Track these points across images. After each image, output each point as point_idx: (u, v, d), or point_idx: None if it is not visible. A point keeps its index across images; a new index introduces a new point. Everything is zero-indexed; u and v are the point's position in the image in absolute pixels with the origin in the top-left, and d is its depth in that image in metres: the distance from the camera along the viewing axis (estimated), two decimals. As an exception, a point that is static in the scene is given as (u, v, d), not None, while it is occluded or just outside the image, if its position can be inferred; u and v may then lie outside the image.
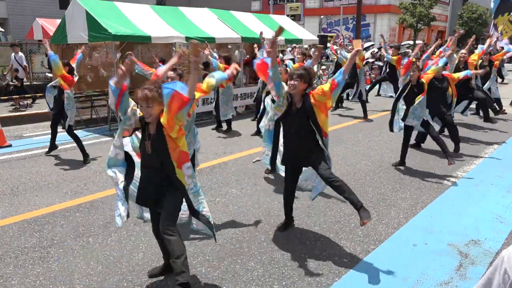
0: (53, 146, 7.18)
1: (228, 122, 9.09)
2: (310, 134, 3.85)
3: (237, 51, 12.96)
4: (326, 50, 19.84)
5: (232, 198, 5.27)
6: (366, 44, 25.75)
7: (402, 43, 28.84)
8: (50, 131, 7.10)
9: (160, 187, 3.16)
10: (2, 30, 20.53)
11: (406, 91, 6.15)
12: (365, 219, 3.62)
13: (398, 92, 6.39)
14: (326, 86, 3.78)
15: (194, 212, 3.25)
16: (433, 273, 3.62)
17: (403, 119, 6.26)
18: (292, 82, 3.79)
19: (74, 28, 9.05)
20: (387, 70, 12.07)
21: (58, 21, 12.23)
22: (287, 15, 20.71)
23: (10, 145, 7.80)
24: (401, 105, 6.22)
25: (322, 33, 24.65)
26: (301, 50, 10.61)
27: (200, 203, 3.28)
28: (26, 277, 3.52)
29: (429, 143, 7.16)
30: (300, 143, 3.89)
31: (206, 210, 3.29)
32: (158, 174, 3.14)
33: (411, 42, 28.63)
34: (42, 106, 11.06)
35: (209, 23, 10.80)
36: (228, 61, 8.80)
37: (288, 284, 3.44)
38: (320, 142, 3.86)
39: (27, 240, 4.16)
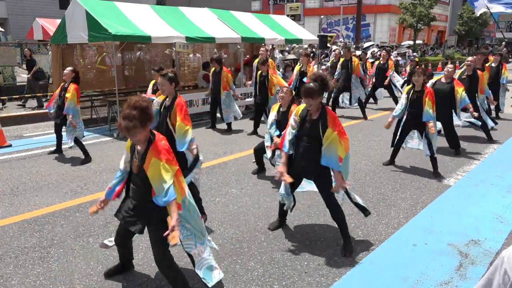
0: (59, 149, 7.18)
1: (229, 122, 9.11)
2: (318, 143, 3.78)
3: (223, 51, 12.90)
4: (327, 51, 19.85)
5: (232, 198, 5.27)
6: (366, 44, 25.77)
7: (402, 43, 28.88)
8: (51, 131, 7.13)
9: (146, 211, 2.99)
10: (2, 30, 20.53)
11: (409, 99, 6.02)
12: (347, 252, 3.89)
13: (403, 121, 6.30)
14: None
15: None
16: (433, 273, 3.62)
17: (400, 140, 6.40)
18: (306, 101, 3.69)
19: (74, 28, 9.05)
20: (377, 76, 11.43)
21: (58, 21, 12.23)
22: (287, 15, 20.69)
23: (10, 145, 7.80)
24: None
25: (322, 33, 24.59)
26: (304, 51, 10.56)
27: (190, 247, 3.04)
28: (26, 277, 3.52)
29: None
30: (310, 150, 3.82)
31: (197, 256, 3.07)
32: (143, 196, 2.98)
33: (411, 42, 28.66)
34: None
35: (209, 23, 10.81)
36: (220, 62, 8.80)
37: (288, 284, 3.44)
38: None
39: (27, 240, 4.16)
